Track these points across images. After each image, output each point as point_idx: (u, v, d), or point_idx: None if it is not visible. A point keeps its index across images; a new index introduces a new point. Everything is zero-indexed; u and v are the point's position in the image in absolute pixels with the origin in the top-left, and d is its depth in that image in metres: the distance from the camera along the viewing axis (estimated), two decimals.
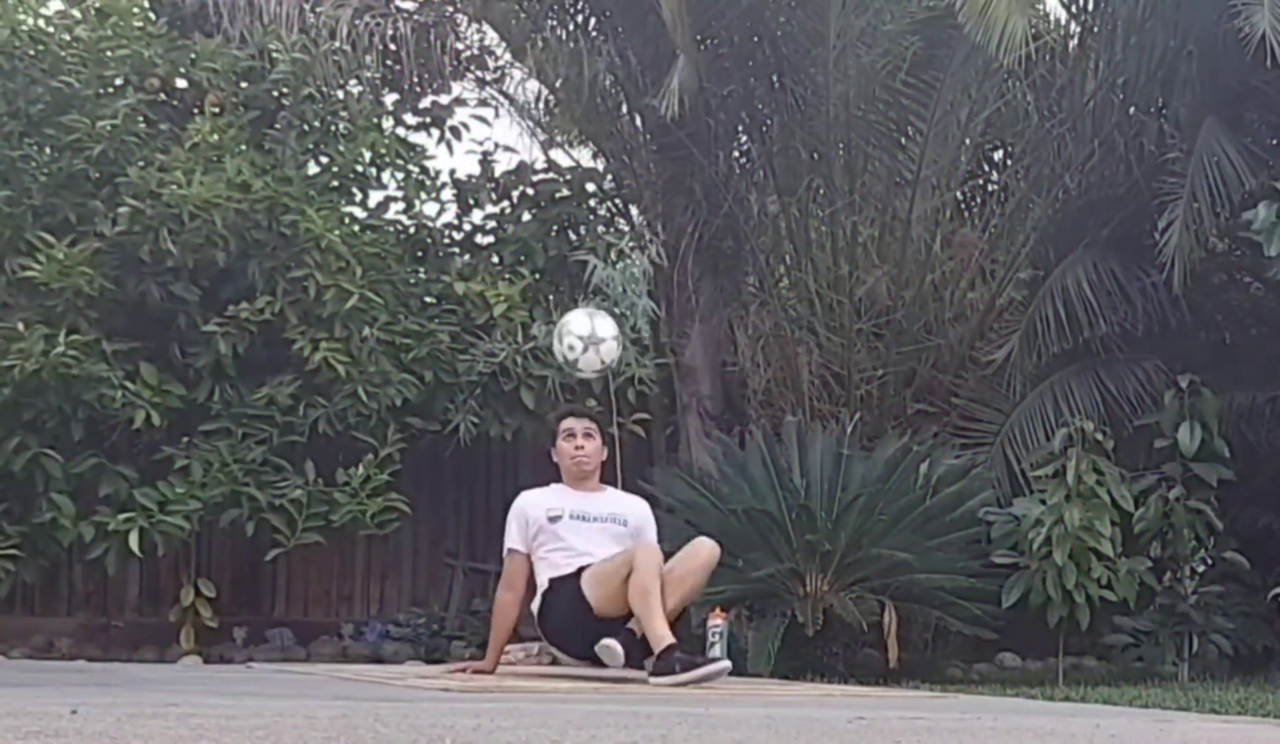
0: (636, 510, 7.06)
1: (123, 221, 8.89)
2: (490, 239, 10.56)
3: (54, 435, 8.91)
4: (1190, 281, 9.18)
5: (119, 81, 9.44)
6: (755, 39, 10.30)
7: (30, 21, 9.47)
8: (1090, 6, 10.53)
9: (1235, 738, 4.24)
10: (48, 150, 9.29)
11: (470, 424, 9.50)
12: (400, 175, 10.06)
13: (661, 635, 6.30)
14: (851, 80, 9.84)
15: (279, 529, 9.08)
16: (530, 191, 10.57)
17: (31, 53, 9.28)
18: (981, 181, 11.46)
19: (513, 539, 6.96)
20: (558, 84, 10.34)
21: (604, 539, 6.79)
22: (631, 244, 9.21)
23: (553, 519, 6.87)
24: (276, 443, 9.10)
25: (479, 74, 11.02)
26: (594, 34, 10.15)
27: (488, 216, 10.65)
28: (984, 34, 8.82)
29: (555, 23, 10.22)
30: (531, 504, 6.96)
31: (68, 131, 9.09)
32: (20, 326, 8.68)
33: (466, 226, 10.64)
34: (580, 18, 10.49)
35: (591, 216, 10.72)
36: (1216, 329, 10.78)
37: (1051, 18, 10.77)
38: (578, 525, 6.85)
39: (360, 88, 10.21)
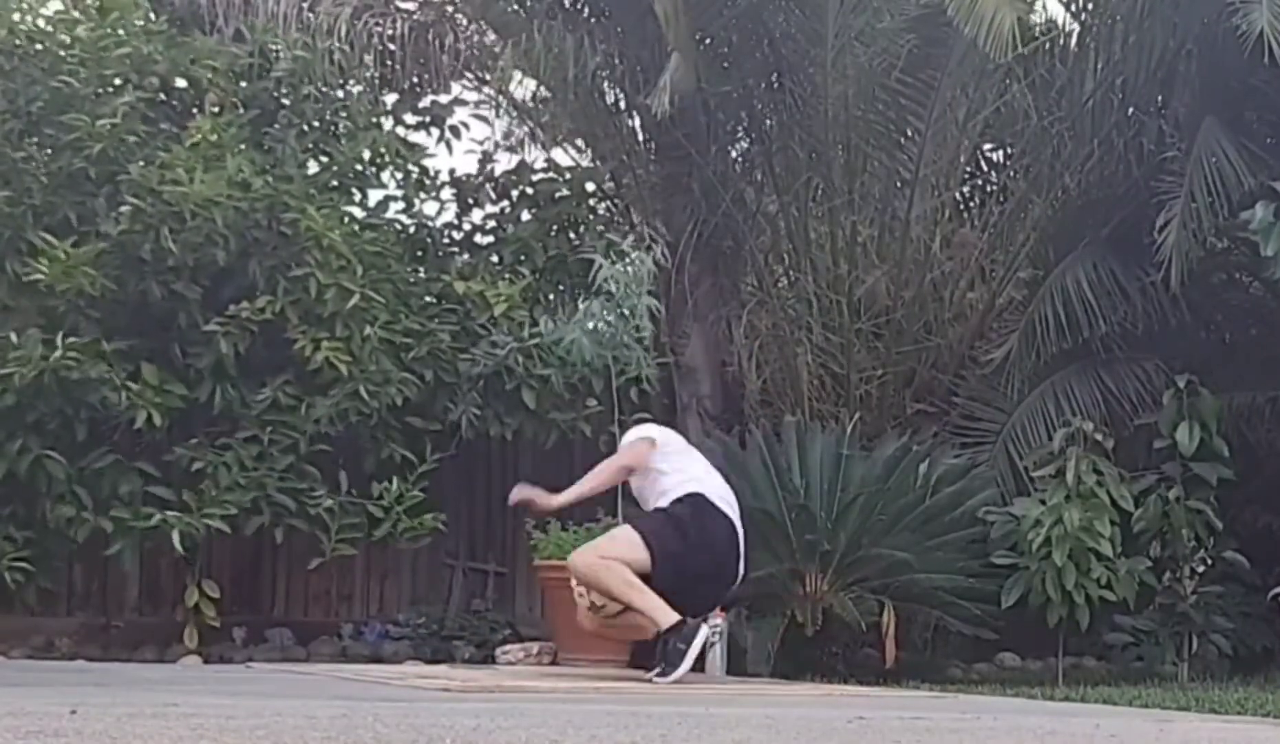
0: None
1: (124, 221, 8.87)
2: (490, 239, 10.56)
3: (56, 437, 8.90)
4: (1189, 281, 9.18)
5: (118, 80, 9.43)
6: (754, 39, 10.30)
7: (29, 21, 9.44)
8: (1089, 6, 10.53)
9: (1235, 738, 4.24)
10: (48, 150, 9.27)
11: (471, 419, 9.50)
12: (400, 174, 10.06)
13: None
14: (850, 80, 9.85)
15: (317, 537, 9.10)
16: (530, 191, 10.57)
17: (31, 52, 9.26)
18: (980, 181, 11.47)
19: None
20: (556, 84, 10.34)
21: None
22: (635, 243, 9.20)
23: None
24: (304, 451, 9.10)
25: (478, 73, 11.02)
26: (593, 34, 10.14)
27: (487, 216, 10.65)
28: (973, 28, 8.81)
29: (554, 22, 10.22)
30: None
31: (68, 130, 9.08)
32: (13, 336, 8.65)
33: (466, 226, 10.64)
34: (579, 18, 10.49)
35: (591, 216, 10.72)
36: (1216, 329, 10.78)
37: (1049, 17, 10.78)
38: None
39: (360, 87, 10.22)
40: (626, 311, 8.87)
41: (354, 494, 9.22)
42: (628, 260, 8.99)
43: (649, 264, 8.87)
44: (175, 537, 8.73)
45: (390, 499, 9.17)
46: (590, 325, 8.99)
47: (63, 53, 9.31)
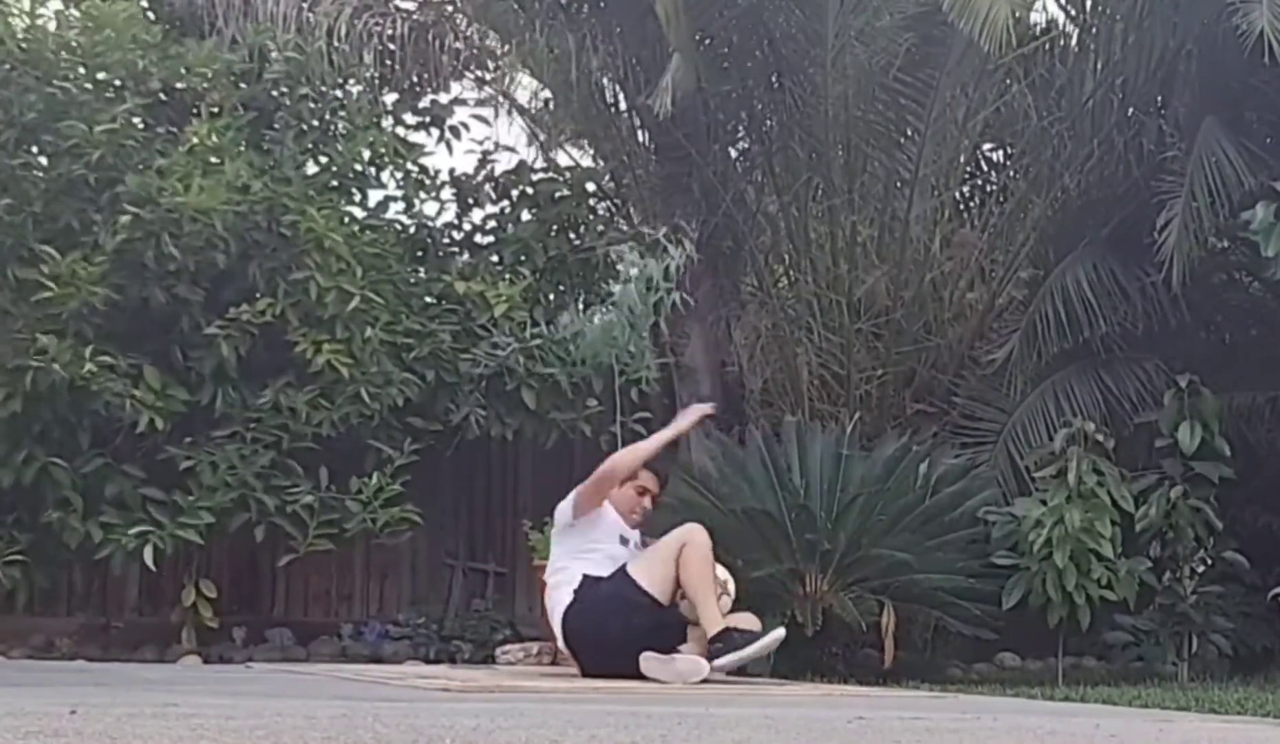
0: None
1: (125, 230, 8.86)
2: (490, 239, 10.56)
3: (60, 444, 8.90)
4: (1190, 281, 9.18)
5: (117, 83, 9.41)
6: (754, 38, 10.31)
7: (20, 28, 9.38)
8: (1089, 6, 10.53)
9: (1235, 738, 4.23)
10: (46, 157, 9.25)
11: (478, 418, 9.48)
12: (400, 175, 10.05)
13: (716, 620, 6.87)
14: (850, 80, 9.85)
15: (291, 535, 9.10)
16: (530, 191, 10.57)
17: (22, 59, 9.22)
18: (980, 181, 11.47)
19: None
20: (557, 84, 10.35)
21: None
22: (668, 236, 9.16)
23: (622, 540, 7.32)
24: (287, 447, 9.09)
25: (478, 73, 11.02)
26: (593, 34, 10.15)
27: (487, 216, 10.64)
28: (968, 22, 8.81)
29: (554, 23, 10.23)
30: (613, 516, 7.36)
31: (64, 138, 9.07)
32: (40, 338, 8.64)
33: (466, 226, 10.64)
34: (579, 18, 10.49)
35: (591, 216, 10.72)
36: (1216, 329, 10.77)
37: (1050, 17, 10.79)
38: (619, 549, 7.30)
39: (359, 87, 10.21)
40: (641, 308, 8.85)
41: (333, 489, 9.20)
42: (666, 257, 8.96)
43: (679, 259, 8.87)
44: (148, 553, 8.72)
45: (368, 493, 9.15)
46: (609, 319, 8.98)
47: (54, 59, 9.28)
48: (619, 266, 8.90)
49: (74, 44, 9.36)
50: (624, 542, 7.32)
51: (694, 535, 7.02)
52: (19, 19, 9.36)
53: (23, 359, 8.64)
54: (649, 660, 6.77)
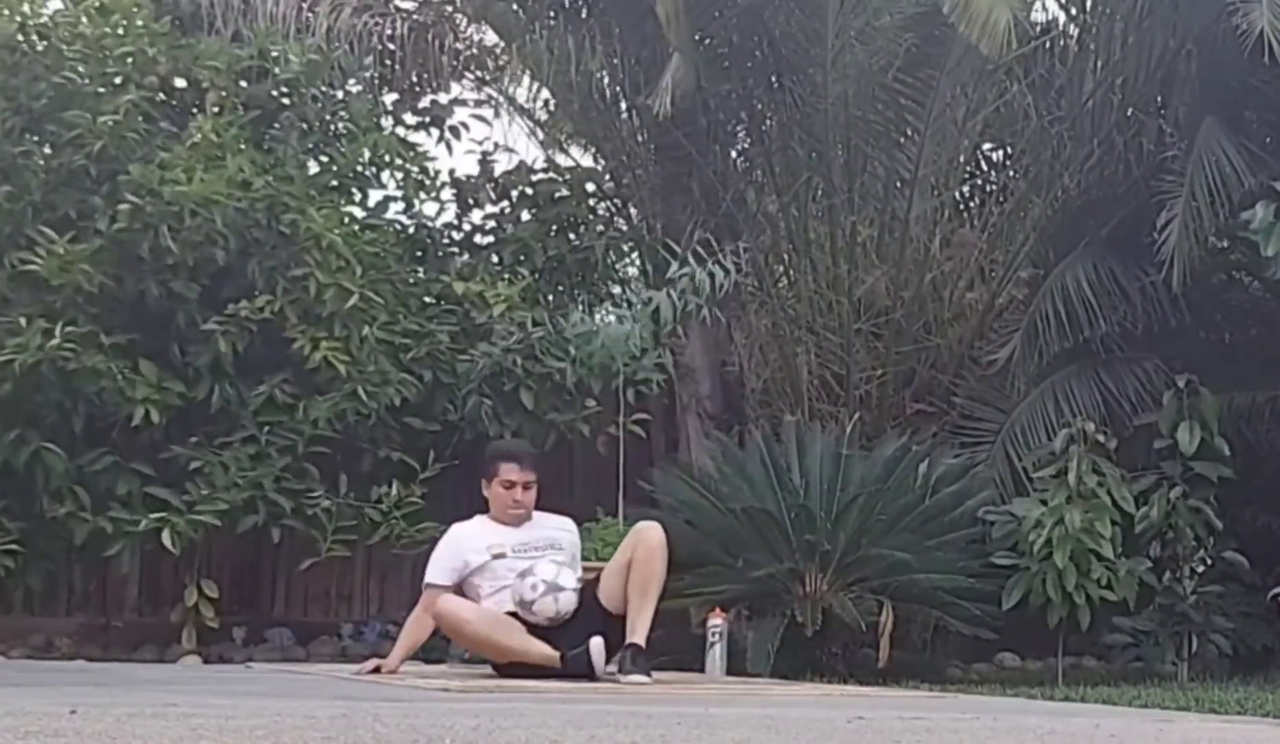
0: (569, 533, 7.36)
1: (123, 218, 8.86)
2: (490, 239, 10.56)
3: (53, 429, 8.89)
4: (1190, 281, 9.17)
5: (119, 79, 9.42)
6: (754, 38, 10.31)
7: (33, 15, 9.40)
8: (1089, 6, 10.53)
9: (1235, 738, 4.23)
10: (48, 146, 9.26)
11: (485, 416, 9.47)
12: (400, 175, 10.06)
13: (642, 634, 6.70)
14: (850, 80, 9.84)
15: (306, 538, 9.10)
16: (530, 191, 10.57)
17: (35, 48, 9.24)
18: (980, 181, 11.46)
19: (440, 574, 7.12)
20: (557, 85, 10.34)
21: (544, 564, 6.96)
22: (734, 255, 9.19)
23: (497, 557, 7.02)
24: (302, 451, 9.09)
25: (478, 73, 11.02)
26: (593, 34, 10.15)
27: (487, 216, 10.65)
28: (968, 27, 8.81)
29: (554, 22, 10.22)
30: (470, 547, 7.06)
31: (69, 127, 9.08)
32: (23, 321, 8.64)
33: (466, 226, 10.64)
34: (579, 18, 10.49)
35: (591, 216, 10.72)
36: (1216, 329, 10.76)
37: (1050, 17, 10.78)
38: (518, 561, 7.02)
39: (360, 87, 10.22)
40: (667, 315, 8.86)
41: (352, 497, 9.21)
42: (715, 266, 8.98)
43: (731, 279, 8.91)
44: (166, 536, 8.72)
45: (389, 503, 9.17)
46: (626, 326, 8.99)
47: (65, 49, 9.30)
48: (670, 273, 8.91)
49: (83, 33, 9.35)
50: (523, 556, 7.08)
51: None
52: (31, 9, 9.38)
53: (10, 340, 8.64)
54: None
